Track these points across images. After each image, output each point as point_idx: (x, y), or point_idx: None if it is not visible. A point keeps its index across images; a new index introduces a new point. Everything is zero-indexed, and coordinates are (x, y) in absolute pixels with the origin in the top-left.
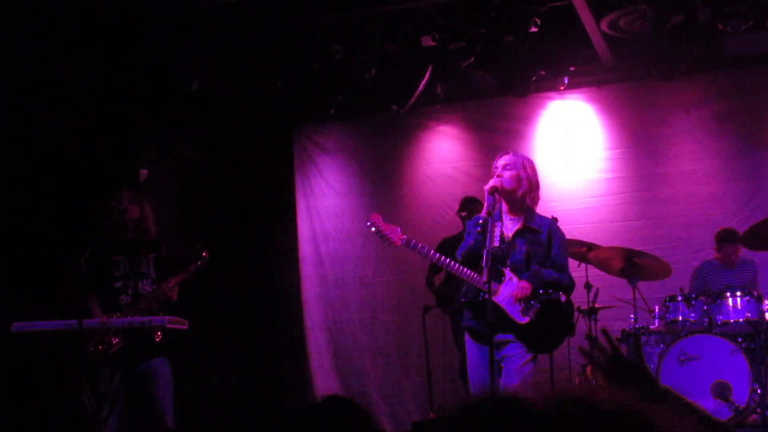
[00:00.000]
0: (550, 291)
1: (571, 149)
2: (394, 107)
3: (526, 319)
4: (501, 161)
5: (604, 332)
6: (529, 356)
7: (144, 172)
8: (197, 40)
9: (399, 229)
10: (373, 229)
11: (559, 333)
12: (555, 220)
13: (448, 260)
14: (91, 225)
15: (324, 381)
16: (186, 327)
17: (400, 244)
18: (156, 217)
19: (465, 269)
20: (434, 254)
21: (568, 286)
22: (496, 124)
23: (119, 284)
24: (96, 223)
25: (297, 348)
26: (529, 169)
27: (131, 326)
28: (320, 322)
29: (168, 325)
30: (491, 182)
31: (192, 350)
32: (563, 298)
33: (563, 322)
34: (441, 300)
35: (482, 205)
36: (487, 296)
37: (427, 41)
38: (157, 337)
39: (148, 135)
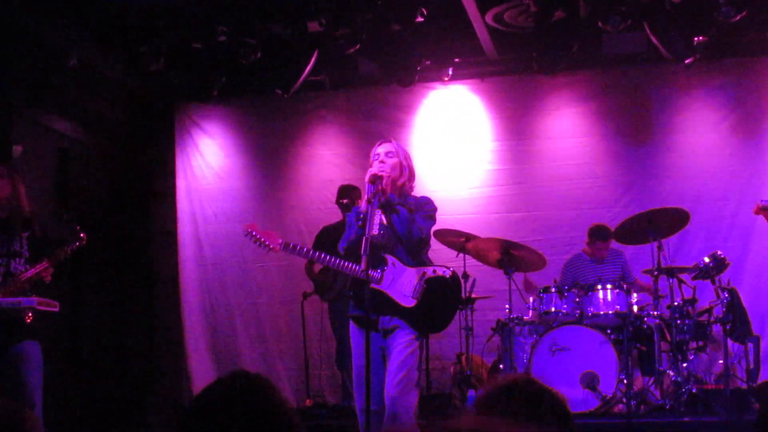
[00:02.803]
0: (434, 269)
1: (454, 140)
2: (279, 91)
3: (412, 302)
4: (381, 149)
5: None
6: (416, 344)
7: (18, 149)
8: (77, 13)
9: (275, 233)
10: (249, 236)
11: (448, 310)
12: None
13: (327, 257)
14: None
15: (200, 365)
16: (57, 309)
17: (278, 249)
18: (30, 195)
19: (345, 263)
20: (313, 253)
21: (418, 238)
22: (381, 112)
23: None
24: None
25: (173, 332)
26: (409, 159)
27: None
28: (197, 307)
29: (38, 307)
30: (373, 170)
31: (64, 333)
32: (448, 273)
33: (451, 299)
34: (319, 287)
35: (361, 193)
36: (367, 285)
37: (314, 26)
38: (28, 319)
39: (23, 110)
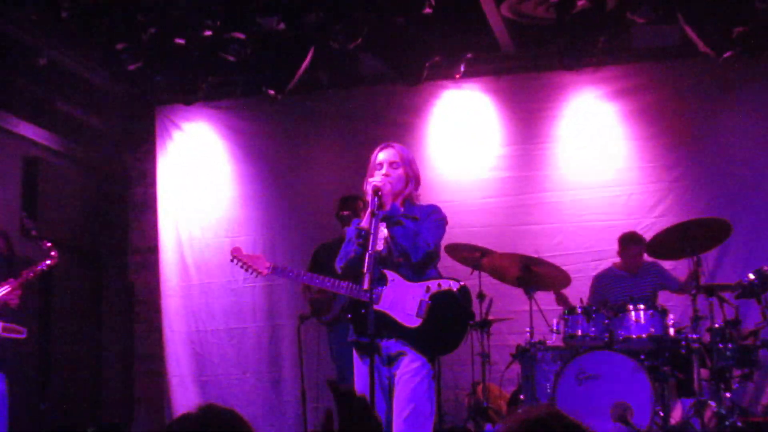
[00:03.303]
0: (439, 283)
1: (466, 144)
2: (272, 92)
3: (417, 321)
4: (384, 156)
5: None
6: (425, 371)
7: None
8: (47, 7)
9: (262, 257)
10: (236, 262)
11: (459, 327)
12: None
13: (320, 279)
14: None
15: (183, 397)
16: (24, 336)
17: (266, 272)
18: None
19: (342, 284)
20: (305, 276)
21: (425, 252)
22: (385, 114)
23: None
24: None
25: (154, 360)
26: (414, 166)
27: None
28: (182, 332)
29: (3, 334)
30: (376, 182)
31: (32, 362)
32: (455, 285)
33: (461, 314)
34: (316, 309)
35: (364, 204)
36: (371, 305)
37: (310, 19)
38: None
39: None
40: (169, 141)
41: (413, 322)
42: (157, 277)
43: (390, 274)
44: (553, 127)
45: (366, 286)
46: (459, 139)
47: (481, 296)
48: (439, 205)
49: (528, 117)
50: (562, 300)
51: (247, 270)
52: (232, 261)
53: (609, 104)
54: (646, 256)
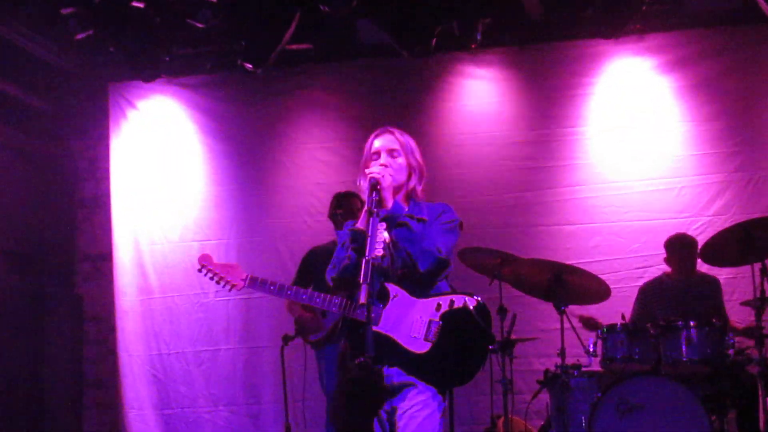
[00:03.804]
0: (452, 299)
1: (483, 129)
2: (249, 66)
3: (426, 346)
4: (382, 143)
5: None
6: (435, 404)
7: None
8: None
9: (237, 266)
10: (205, 272)
11: (476, 353)
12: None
13: (310, 294)
14: None
15: None
16: None
17: (242, 285)
18: None
19: (334, 299)
20: (290, 291)
21: (435, 260)
22: (385, 92)
23: None
24: None
25: (107, 389)
26: (417, 155)
27: None
28: (140, 356)
29: None
30: (373, 173)
31: None
32: (471, 302)
33: (479, 337)
34: (304, 328)
35: (362, 203)
36: (368, 326)
37: None
38: None
39: None
40: (125, 125)
41: (421, 347)
42: (110, 290)
43: (392, 289)
44: (587, 108)
45: (363, 300)
46: (474, 123)
47: (502, 311)
48: (451, 202)
49: (558, 95)
50: (588, 323)
51: (218, 282)
52: (200, 271)
53: (655, 79)
54: (701, 264)
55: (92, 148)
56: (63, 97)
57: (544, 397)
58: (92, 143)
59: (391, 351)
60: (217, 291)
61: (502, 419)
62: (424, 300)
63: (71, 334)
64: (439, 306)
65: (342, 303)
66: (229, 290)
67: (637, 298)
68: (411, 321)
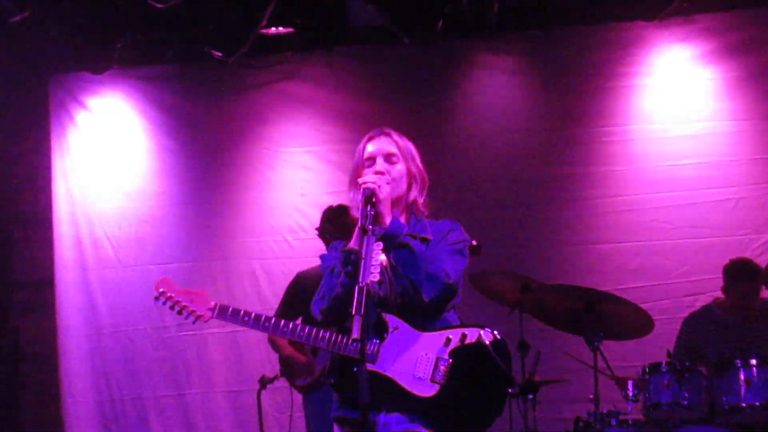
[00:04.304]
0: (463, 333)
1: (499, 129)
2: (219, 55)
3: (433, 389)
4: (378, 147)
5: None
6: None
7: None
8: None
9: (204, 293)
10: (164, 301)
11: (493, 397)
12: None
13: (293, 327)
14: None
15: None
16: None
17: (210, 316)
18: None
19: (322, 333)
20: (267, 323)
21: (442, 286)
22: (382, 86)
23: None
24: None
25: None
26: (419, 160)
27: None
28: (88, 402)
29: None
30: (368, 183)
31: None
32: (487, 336)
33: (496, 378)
34: (290, 368)
35: (353, 220)
36: (362, 365)
37: None
38: None
39: None
40: (69, 125)
41: (427, 390)
42: (53, 322)
43: (392, 320)
44: (625, 103)
45: (356, 334)
46: (489, 123)
47: (523, 347)
48: (460, 218)
49: (589, 89)
50: (619, 383)
51: (180, 312)
52: (158, 299)
53: (706, 68)
54: (764, 291)
55: (30, 152)
56: None
57: None
58: (30, 146)
59: (390, 394)
60: (181, 324)
61: None
62: (430, 334)
63: (5, 376)
64: (448, 341)
65: (331, 338)
66: (194, 322)
67: (680, 332)
68: (415, 358)
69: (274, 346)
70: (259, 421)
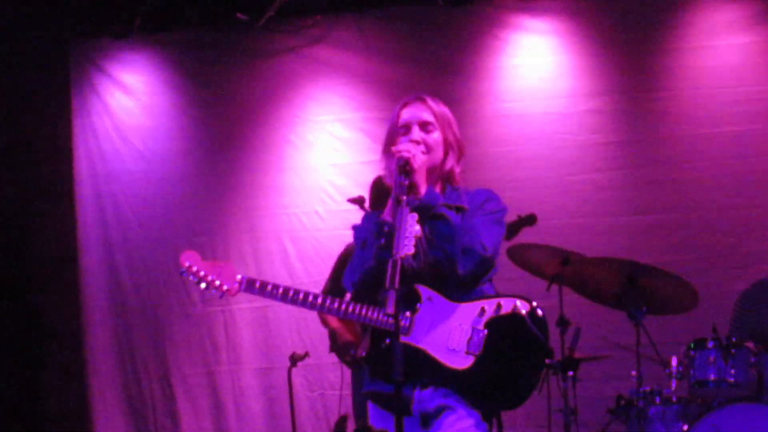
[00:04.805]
0: (499, 303)
1: (540, 94)
2: (244, 17)
3: (468, 361)
4: (413, 114)
5: None
6: (483, 429)
7: None
8: None
9: (231, 265)
10: (189, 275)
11: (530, 368)
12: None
13: (322, 299)
14: None
15: None
16: None
17: (237, 289)
18: None
19: (352, 307)
20: (296, 295)
21: (479, 258)
22: (417, 50)
23: None
24: None
25: (71, 420)
26: (455, 127)
27: None
28: (114, 383)
29: None
30: (402, 152)
31: None
32: (524, 306)
33: (533, 349)
34: (340, 343)
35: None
36: (396, 340)
37: None
38: None
39: None
40: (90, 93)
41: (462, 362)
42: (76, 299)
43: (425, 291)
44: (677, 65)
45: (390, 308)
46: (526, 88)
47: (563, 323)
48: (496, 188)
49: (635, 51)
50: (663, 360)
51: (207, 287)
52: (183, 274)
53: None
54: None
55: (50, 121)
56: (11, 60)
57: (617, 428)
58: (50, 115)
59: (424, 367)
60: (210, 299)
61: None
62: (465, 304)
63: (24, 357)
64: (483, 311)
65: (363, 311)
66: (221, 296)
67: (736, 306)
68: (449, 330)
69: (323, 320)
70: (290, 399)
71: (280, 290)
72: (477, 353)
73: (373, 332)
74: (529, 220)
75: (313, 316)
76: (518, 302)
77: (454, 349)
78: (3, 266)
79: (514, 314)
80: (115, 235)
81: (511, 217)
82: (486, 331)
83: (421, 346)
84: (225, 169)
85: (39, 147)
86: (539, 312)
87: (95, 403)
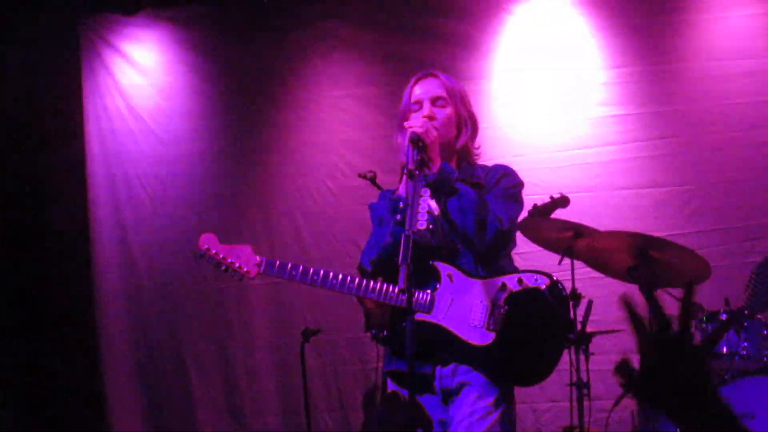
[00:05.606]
0: (520, 278)
1: (550, 65)
2: None
3: (489, 337)
4: (425, 90)
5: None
6: (500, 411)
7: None
8: None
9: (249, 248)
10: (207, 260)
11: (550, 345)
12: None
13: (341, 278)
14: None
15: None
16: None
17: (256, 272)
18: None
19: (372, 285)
20: (316, 276)
21: (495, 233)
22: (430, 25)
23: None
24: None
25: (90, 405)
26: (468, 104)
27: None
28: (127, 360)
29: None
30: (415, 127)
31: None
32: (543, 283)
33: (555, 324)
34: (373, 322)
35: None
36: (409, 315)
37: None
38: None
39: None
40: (101, 70)
41: (483, 338)
42: (89, 278)
43: (444, 268)
44: (691, 35)
45: (402, 284)
46: (540, 64)
47: (575, 297)
48: (511, 162)
49: (643, 25)
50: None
51: (226, 270)
52: (199, 259)
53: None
54: None
55: (61, 98)
56: (20, 36)
57: (630, 403)
58: (61, 92)
59: (446, 344)
60: (219, 276)
61: (576, 431)
62: (485, 281)
63: (39, 334)
64: (503, 287)
65: (382, 289)
66: (240, 279)
67: (751, 279)
68: (469, 306)
69: (359, 299)
70: (303, 374)
71: (300, 270)
72: (498, 329)
73: (393, 312)
74: (563, 201)
75: (326, 291)
76: (539, 277)
77: (475, 326)
78: (21, 247)
79: (535, 290)
80: (128, 215)
81: (543, 198)
82: (507, 307)
83: (442, 323)
84: (236, 143)
85: (50, 121)
86: (560, 287)
87: (108, 379)
